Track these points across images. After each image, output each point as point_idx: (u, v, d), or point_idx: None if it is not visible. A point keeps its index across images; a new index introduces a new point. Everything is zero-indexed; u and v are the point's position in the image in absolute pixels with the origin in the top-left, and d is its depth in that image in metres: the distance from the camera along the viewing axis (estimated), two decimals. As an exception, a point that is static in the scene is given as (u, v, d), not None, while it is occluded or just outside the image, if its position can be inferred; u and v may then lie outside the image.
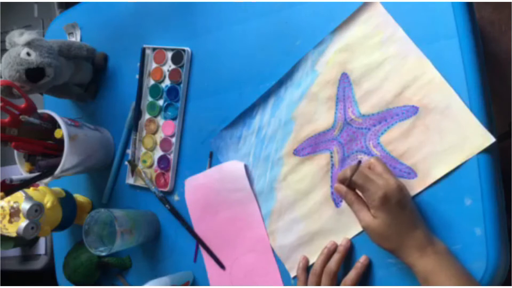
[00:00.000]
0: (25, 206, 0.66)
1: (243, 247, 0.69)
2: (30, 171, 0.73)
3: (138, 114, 0.77)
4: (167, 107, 0.75)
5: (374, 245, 0.58)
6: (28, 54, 0.65)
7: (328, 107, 0.63)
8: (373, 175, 0.53)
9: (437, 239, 0.53)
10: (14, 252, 1.16)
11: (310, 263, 0.63)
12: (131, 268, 0.78)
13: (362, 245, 0.60)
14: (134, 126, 0.77)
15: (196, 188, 0.72)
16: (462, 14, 0.55)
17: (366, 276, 0.59)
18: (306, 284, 0.62)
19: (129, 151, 0.78)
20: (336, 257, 0.59)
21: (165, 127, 0.75)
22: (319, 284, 0.60)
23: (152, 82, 0.76)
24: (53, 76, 0.68)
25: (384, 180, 0.52)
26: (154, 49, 0.76)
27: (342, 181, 0.55)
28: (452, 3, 0.55)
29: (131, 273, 0.79)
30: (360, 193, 0.55)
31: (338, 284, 0.59)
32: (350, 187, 0.55)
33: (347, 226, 0.61)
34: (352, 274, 0.58)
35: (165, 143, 0.75)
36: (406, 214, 0.52)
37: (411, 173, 0.57)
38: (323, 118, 0.64)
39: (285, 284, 0.66)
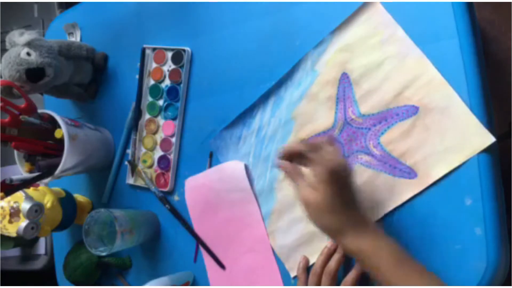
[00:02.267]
0: (25, 206, 0.66)
1: (243, 247, 0.69)
2: (30, 171, 0.73)
3: (138, 114, 0.77)
4: (167, 107, 0.75)
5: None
6: (28, 54, 0.65)
7: (328, 107, 0.63)
8: (322, 150, 0.53)
9: (373, 222, 0.54)
10: (14, 252, 1.16)
11: (310, 263, 0.63)
12: (131, 268, 0.78)
13: (362, 245, 0.60)
14: (134, 126, 0.77)
15: (196, 188, 0.72)
16: (462, 14, 0.55)
17: (366, 276, 0.59)
18: (306, 284, 0.62)
19: (129, 151, 0.78)
20: (336, 257, 0.59)
21: (165, 127, 0.75)
22: (319, 284, 0.59)
23: (152, 82, 0.76)
24: (53, 76, 0.68)
25: (332, 156, 0.52)
26: (154, 49, 0.76)
27: (287, 156, 0.54)
28: (452, 3, 0.55)
29: (131, 273, 0.79)
30: (303, 168, 0.54)
31: (339, 284, 0.59)
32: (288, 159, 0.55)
33: (347, 226, 0.61)
34: (353, 274, 0.58)
35: (165, 143, 0.75)
36: (346, 193, 0.52)
37: (411, 173, 0.57)
38: (323, 118, 0.64)
39: (285, 284, 0.66)
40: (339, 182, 0.51)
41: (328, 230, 0.53)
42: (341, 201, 0.51)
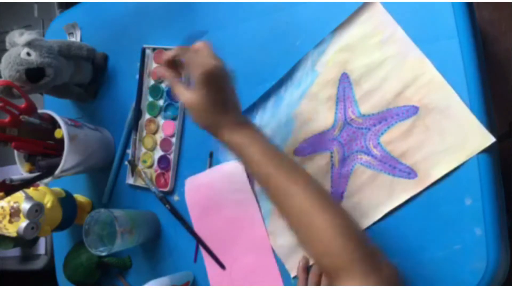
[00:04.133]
0: (25, 206, 0.66)
1: (243, 247, 0.69)
2: (30, 171, 0.72)
3: (138, 114, 0.77)
4: (167, 107, 0.75)
5: (374, 245, 0.59)
6: (28, 54, 0.65)
7: (328, 107, 0.63)
8: (198, 54, 0.54)
9: (250, 123, 0.56)
10: (14, 252, 1.16)
11: (311, 263, 0.63)
12: (131, 268, 0.78)
13: (362, 245, 0.60)
14: (134, 126, 0.77)
15: (196, 188, 0.72)
16: (462, 14, 0.55)
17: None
18: (306, 284, 0.62)
19: (129, 151, 0.78)
20: (336, 257, 0.59)
21: (165, 127, 0.75)
22: (319, 284, 0.60)
23: (152, 82, 0.76)
24: (53, 76, 0.68)
25: (207, 59, 0.53)
26: (154, 49, 0.76)
27: (167, 63, 0.57)
28: (452, 3, 0.55)
29: (131, 273, 0.79)
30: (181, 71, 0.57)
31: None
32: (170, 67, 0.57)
33: (347, 226, 0.61)
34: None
35: (165, 143, 0.75)
36: (222, 95, 0.54)
37: (411, 173, 0.57)
38: (323, 118, 0.64)
39: (285, 284, 0.66)
40: (215, 84, 0.53)
41: (208, 127, 0.55)
42: (216, 103, 0.54)
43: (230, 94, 0.56)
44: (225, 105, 0.54)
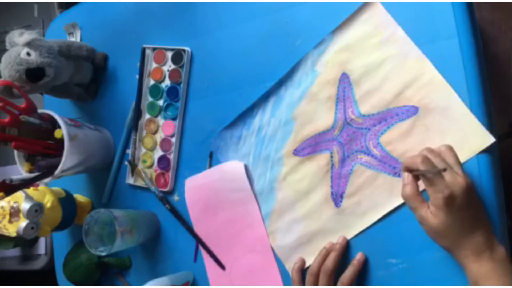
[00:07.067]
0: (25, 206, 0.66)
1: (243, 247, 0.69)
2: (30, 171, 0.72)
3: (138, 114, 0.77)
4: (167, 107, 0.75)
5: (373, 244, 0.59)
6: (28, 54, 0.65)
7: (328, 107, 0.63)
8: (445, 177, 0.49)
9: (497, 243, 0.50)
10: (14, 252, 1.16)
11: (307, 265, 0.63)
12: (131, 268, 0.78)
13: (361, 244, 0.60)
14: (134, 126, 0.77)
15: (196, 188, 0.72)
16: (462, 14, 0.55)
17: (366, 276, 0.59)
18: (300, 285, 0.62)
19: (129, 151, 0.78)
20: (332, 255, 0.59)
21: (165, 127, 0.75)
22: (316, 284, 0.59)
23: (152, 82, 0.76)
24: (53, 76, 0.68)
25: (453, 177, 0.48)
26: (154, 49, 0.76)
27: (409, 169, 0.51)
28: (452, 3, 0.55)
29: (131, 273, 0.79)
30: (423, 183, 0.51)
31: (336, 284, 0.59)
32: (413, 176, 0.52)
33: (347, 226, 0.61)
34: (349, 271, 0.58)
35: (165, 143, 0.75)
36: (468, 215, 0.49)
37: (411, 173, 0.57)
38: (323, 118, 0.64)
39: (285, 284, 0.66)
40: (460, 207, 0.48)
41: (446, 249, 0.51)
42: (461, 227, 0.49)
43: (476, 213, 0.50)
44: (467, 228, 0.49)
